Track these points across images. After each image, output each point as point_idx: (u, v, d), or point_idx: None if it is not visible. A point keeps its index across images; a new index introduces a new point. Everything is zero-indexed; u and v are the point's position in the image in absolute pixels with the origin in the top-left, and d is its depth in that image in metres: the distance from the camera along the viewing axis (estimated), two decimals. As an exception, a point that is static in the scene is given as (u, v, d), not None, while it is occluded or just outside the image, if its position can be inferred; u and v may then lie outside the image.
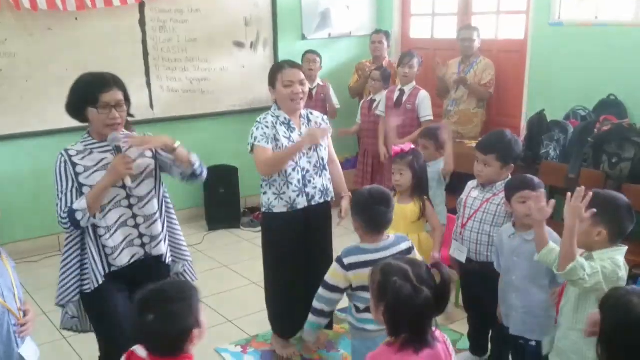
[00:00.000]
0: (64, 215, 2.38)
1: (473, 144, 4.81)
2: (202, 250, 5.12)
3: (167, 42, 5.33)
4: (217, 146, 5.66)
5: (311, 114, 3.31)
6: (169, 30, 5.32)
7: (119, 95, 2.44)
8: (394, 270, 1.83)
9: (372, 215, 2.52)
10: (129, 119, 2.59)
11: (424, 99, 4.96)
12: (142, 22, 5.18)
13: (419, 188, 3.32)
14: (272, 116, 3.19)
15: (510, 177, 3.01)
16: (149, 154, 2.58)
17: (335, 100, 5.70)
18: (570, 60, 4.78)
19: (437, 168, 3.68)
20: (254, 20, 5.76)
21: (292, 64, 3.22)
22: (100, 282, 2.48)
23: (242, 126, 5.74)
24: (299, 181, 3.16)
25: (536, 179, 2.77)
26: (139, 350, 1.83)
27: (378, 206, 2.52)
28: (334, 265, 2.60)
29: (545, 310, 2.70)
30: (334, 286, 2.60)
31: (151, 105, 5.34)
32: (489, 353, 3.29)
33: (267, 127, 3.13)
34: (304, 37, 6.11)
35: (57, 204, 2.42)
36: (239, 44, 5.74)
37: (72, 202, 2.39)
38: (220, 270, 4.71)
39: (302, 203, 3.19)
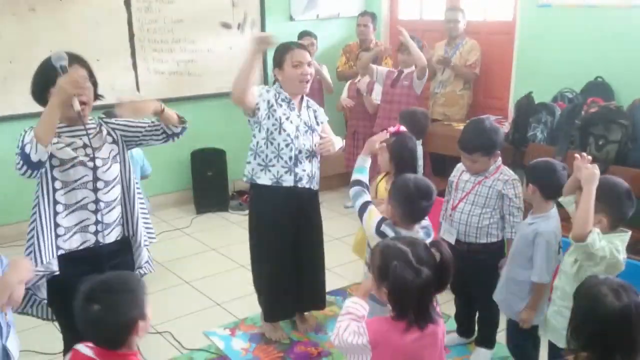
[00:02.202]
0: (17, 159, 2.26)
1: (460, 126, 4.83)
2: (190, 234, 5.11)
3: (153, 23, 5.26)
4: (205, 129, 5.62)
5: (308, 101, 3.28)
6: (154, 10, 5.25)
7: (82, 71, 2.37)
8: (393, 253, 1.85)
9: (414, 208, 2.47)
10: (98, 101, 2.49)
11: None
12: (127, 3, 5.10)
13: (400, 171, 3.27)
14: (275, 91, 3.17)
15: (499, 159, 3.02)
16: (109, 139, 2.51)
17: (330, 82, 5.69)
18: (558, 42, 4.78)
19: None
20: (241, 0, 5.69)
21: (299, 45, 3.21)
22: (42, 262, 2.40)
23: (229, 109, 5.66)
24: (290, 158, 3.14)
25: (559, 164, 2.74)
26: (84, 349, 1.83)
27: (421, 200, 2.46)
28: (376, 213, 2.56)
29: (521, 292, 2.75)
30: (368, 201, 2.62)
31: (137, 88, 5.28)
32: (475, 334, 3.32)
33: (268, 92, 3.14)
34: (291, 18, 6.05)
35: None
36: (226, 25, 5.68)
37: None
38: (209, 253, 4.71)
39: (288, 181, 3.16)
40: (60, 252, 2.46)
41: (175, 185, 5.68)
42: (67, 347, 2.63)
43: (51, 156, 2.35)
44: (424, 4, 6.17)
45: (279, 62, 3.15)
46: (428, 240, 2.46)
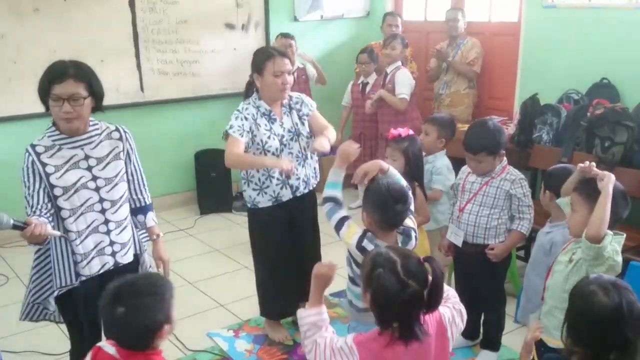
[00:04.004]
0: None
1: (465, 127, 4.80)
2: (194, 234, 5.11)
3: (158, 24, 5.26)
4: (209, 130, 5.61)
5: (291, 99, 3.21)
6: (159, 11, 5.24)
7: (74, 88, 2.25)
8: (382, 261, 1.79)
9: (389, 214, 2.37)
10: (100, 112, 2.42)
11: (400, 75, 4.95)
12: (131, 4, 5.10)
13: (411, 175, 3.26)
14: (253, 106, 3.11)
15: (505, 159, 3.00)
16: (122, 156, 2.46)
17: (313, 72, 5.66)
18: (563, 43, 4.76)
19: (442, 163, 3.49)
20: (245, 1, 5.69)
21: (282, 53, 3.13)
22: (64, 284, 2.40)
23: (233, 109, 5.66)
24: (281, 173, 3.10)
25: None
26: (107, 347, 1.80)
27: (396, 205, 2.35)
28: (356, 228, 2.42)
29: (537, 301, 2.72)
30: (345, 216, 2.46)
31: (141, 88, 5.29)
32: (480, 337, 3.31)
33: (246, 119, 3.06)
34: (295, 19, 6.04)
35: (26, 205, 2.33)
36: (230, 26, 5.68)
37: (38, 203, 2.30)
38: (212, 254, 4.70)
39: (286, 195, 3.15)
40: (81, 278, 2.42)
41: (179, 186, 5.68)
42: (74, 347, 2.63)
43: (52, 187, 2.32)
44: (428, 5, 6.15)
45: (259, 69, 3.08)
46: (410, 243, 2.42)
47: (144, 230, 2.69)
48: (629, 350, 1.66)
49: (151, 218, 2.64)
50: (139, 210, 2.61)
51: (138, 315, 1.72)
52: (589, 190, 2.29)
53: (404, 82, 4.94)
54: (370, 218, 2.41)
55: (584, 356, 1.72)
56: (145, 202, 2.62)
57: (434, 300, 1.80)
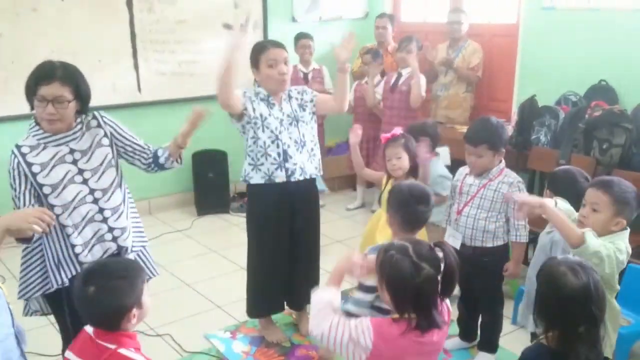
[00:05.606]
0: None
1: (463, 129, 4.81)
2: (191, 235, 5.09)
3: (155, 24, 5.25)
4: (206, 130, 5.50)
5: (291, 91, 3.21)
6: (156, 11, 5.23)
7: (60, 91, 2.27)
8: (393, 247, 1.83)
9: (411, 214, 2.43)
10: (84, 115, 2.44)
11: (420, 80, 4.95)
12: (129, 4, 5.09)
13: (415, 170, 3.28)
14: (254, 91, 3.15)
15: (502, 161, 2.99)
16: (105, 141, 2.46)
17: (330, 84, 5.65)
18: (562, 45, 4.76)
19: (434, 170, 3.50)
20: (244, 1, 5.68)
21: (275, 44, 3.13)
22: (60, 283, 2.41)
23: (231, 110, 5.66)
24: (278, 154, 3.09)
25: (580, 174, 2.79)
26: (88, 327, 1.88)
27: (418, 205, 2.43)
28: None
29: None
30: (372, 286, 2.25)
31: (139, 88, 5.27)
32: (478, 339, 3.30)
33: (247, 91, 3.11)
34: (294, 20, 6.04)
35: (13, 206, 2.33)
36: (228, 26, 5.65)
37: (25, 205, 2.30)
38: (209, 256, 4.69)
39: (280, 177, 3.12)
40: (84, 266, 2.40)
41: (176, 187, 5.66)
42: (66, 346, 2.62)
43: (41, 186, 2.33)
44: (427, 6, 6.15)
45: (254, 63, 3.11)
46: None
47: (143, 234, 2.67)
48: (595, 323, 1.79)
49: (163, 148, 2.65)
50: (154, 159, 2.63)
51: (107, 296, 1.79)
52: (615, 194, 2.29)
53: (422, 87, 4.96)
54: (393, 219, 2.47)
55: (557, 335, 1.82)
56: (151, 150, 2.62)
57: (448, 286, 1.83)
